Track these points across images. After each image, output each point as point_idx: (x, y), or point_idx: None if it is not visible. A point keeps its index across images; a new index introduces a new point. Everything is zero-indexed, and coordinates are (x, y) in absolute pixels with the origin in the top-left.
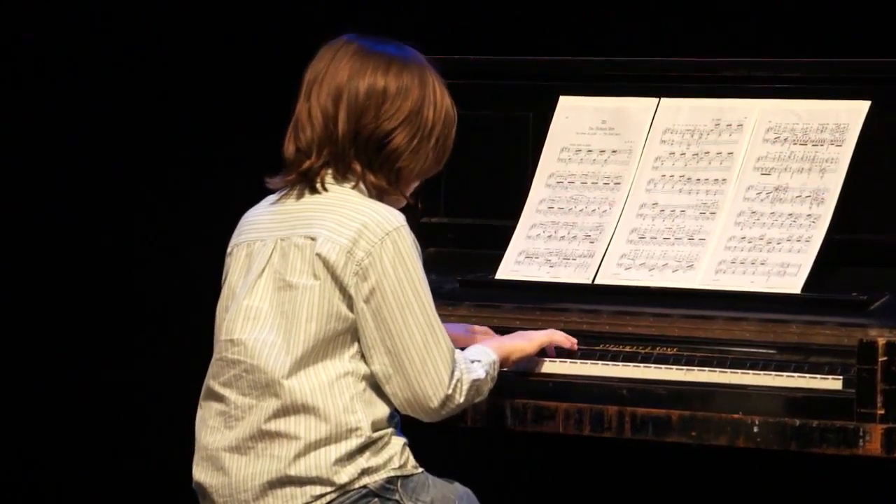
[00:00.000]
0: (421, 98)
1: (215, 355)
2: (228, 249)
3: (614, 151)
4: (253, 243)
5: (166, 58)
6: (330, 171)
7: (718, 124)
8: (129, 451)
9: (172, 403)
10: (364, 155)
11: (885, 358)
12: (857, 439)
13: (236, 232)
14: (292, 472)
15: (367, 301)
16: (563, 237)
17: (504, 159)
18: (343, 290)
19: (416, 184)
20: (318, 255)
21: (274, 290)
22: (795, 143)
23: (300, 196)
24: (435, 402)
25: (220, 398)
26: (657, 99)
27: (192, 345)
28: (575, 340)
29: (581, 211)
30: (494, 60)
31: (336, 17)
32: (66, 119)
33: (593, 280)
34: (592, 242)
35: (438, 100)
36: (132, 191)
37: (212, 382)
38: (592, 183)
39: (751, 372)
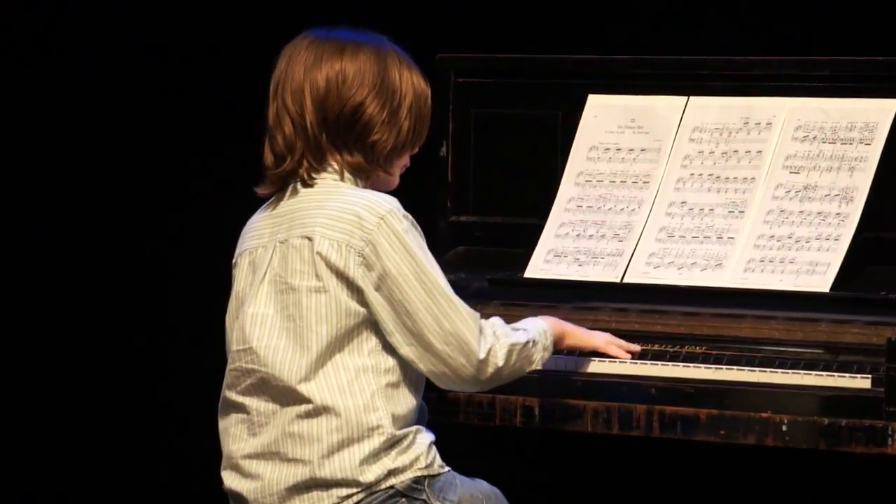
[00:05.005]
0: (382, 73)
1: (229, 365)
2: (233, 260)
3: (643, 150)
4: (255, 250)
5: (189, 55)
6: (307, 163)
7: (747, 123)
8: (156, 454)
9: (200, 406)
10: (336, 136)
11: None
12: (886, 438)
13: (239, 241)
14: (318, 474)
15: (377, 289)
16: (591, 236)
17: (533, 158)
18: (351, 285)
19: (401, 161)
20: (319, 254)
21: (276, 293)
22: (824, 142)
23: (290, 196)
24: (470, 370)
25: (240, 408)
26: (686, 97)
27: (215, 349)
28: (637, 349)
29: (610, 210)
30: (523, 59)
31: (362, 18)
32: (89, 119)
33: (622, 279)
34: (621, 241)
35: (404, 73)
36: (154, 191)
37: (229, 393)
38: (621, 182)
39: (779, 371)
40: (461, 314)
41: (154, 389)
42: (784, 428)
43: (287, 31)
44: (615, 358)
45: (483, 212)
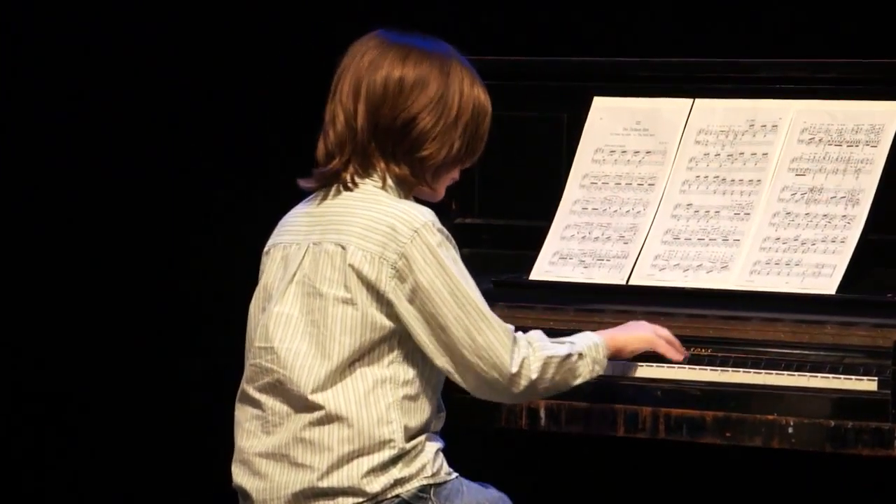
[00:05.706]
0: (442, 86)
1: (250, 359)
2: (266, 248)
3: (648, 152)
4: (289, 246)
5: (207, 57)
6: (352, 167)
7: (753, 125)
8: (170, 446)
9: (212, 403)
10: (386, 146)
11: None
12: (892, 440)
13: (275, 231)
14: (324, 484)
15: (410, 301)
16: (597, 238)
17: (538, 160)
18: (380, 298)
19: (449, 177)
20: (351, 265)
21: (303, 295)
22: (830, 144)
23: (330, 197)
24: (503, 383)
25: (256, 403)
26: (691, 99)
27: (230, 345)
28: (683, 352)
29: (615, 212)
30: (529, 61)
31: (364, 19)
32: (112, 121)
33: (627, 281)
34: (626, 243)
35: (465, 89)
36: (175, 192)
37: (247, 387)
38: (626, 184)
39: (785, 373)
40: (494, 328)
41: (166, 388)
42: (790, 430)
43: (291, 32)
44: (667, 359)
45: (488, 214)
